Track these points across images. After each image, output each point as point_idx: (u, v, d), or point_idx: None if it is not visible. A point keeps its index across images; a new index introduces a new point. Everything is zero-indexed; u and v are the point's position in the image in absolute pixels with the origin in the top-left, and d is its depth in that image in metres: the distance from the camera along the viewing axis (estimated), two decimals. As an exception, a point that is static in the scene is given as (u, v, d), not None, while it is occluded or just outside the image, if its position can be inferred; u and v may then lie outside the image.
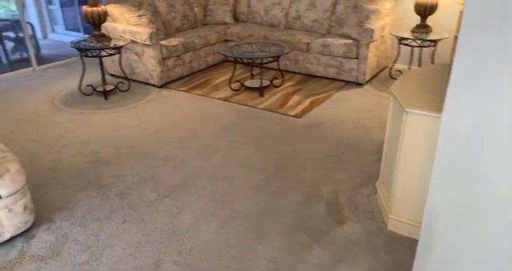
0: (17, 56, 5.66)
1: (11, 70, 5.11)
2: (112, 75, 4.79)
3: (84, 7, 3.92)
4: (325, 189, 2.67)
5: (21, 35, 5.33)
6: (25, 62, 5.20)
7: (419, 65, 4.58)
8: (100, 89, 4.26)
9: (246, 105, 4.01)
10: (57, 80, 4.74)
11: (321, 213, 2.44)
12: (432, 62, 4.43)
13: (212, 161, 3.03)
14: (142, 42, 4.20)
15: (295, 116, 3.75)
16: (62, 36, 6.89)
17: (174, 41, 4.51)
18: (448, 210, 1.52)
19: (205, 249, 2.16)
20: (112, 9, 4.40)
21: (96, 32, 4.07)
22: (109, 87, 4.31)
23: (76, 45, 4.00)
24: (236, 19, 5.53)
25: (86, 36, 4.83)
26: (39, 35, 6.85)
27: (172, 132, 3.50)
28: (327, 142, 3.30)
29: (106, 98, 4.19)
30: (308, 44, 4.57)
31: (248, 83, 4.44)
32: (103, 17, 3.98)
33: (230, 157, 3.07)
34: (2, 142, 3.29)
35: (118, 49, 4.09)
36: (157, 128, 3.56)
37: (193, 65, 4.81)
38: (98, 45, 4.01)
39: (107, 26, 4.35)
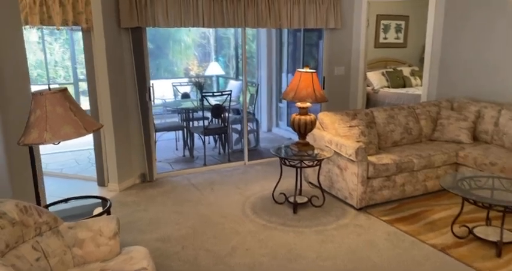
0: (238, 146, 6.08)
1: (229, 161, 5.42)
2: (310, 183, 4.38)
3: (294, 114, 3.73)
4: None
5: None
6: (241, 154, 5.44)
7: None
8: (292, 199, 3.85)
9: (472, 266, 2.76)
10: (257, 180, 4.66)
11: None
12: None
13: None
14: (347, 156, 3.64)
15: (562, 316, 2.26)
16: (283, 131, 7.19)
17: (385, 159, 3.76)
18: None
19: None
20: (324, 117, 4.09)
21: (300, 140, 3.79)
22: (301, 200, 3.86)
23: (277, 152, 3.79)
24: (475, 138, 4.34)
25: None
26: (264, 128, 7.36)
27: (355, 285, 2.63)
28: None
29: (295, 212, 3.73)
30: None
31: (480, 231, 3.14)
32: (310, 126, 3.67)
33: None
34: (180, 243, 3.23)
35: (318, 161, 3.66)
36: (337, 272, 2.77)
37: (406, 189, 3.88)
38: (298, 154, 3.68)
39: (315, 134, 4.04)
